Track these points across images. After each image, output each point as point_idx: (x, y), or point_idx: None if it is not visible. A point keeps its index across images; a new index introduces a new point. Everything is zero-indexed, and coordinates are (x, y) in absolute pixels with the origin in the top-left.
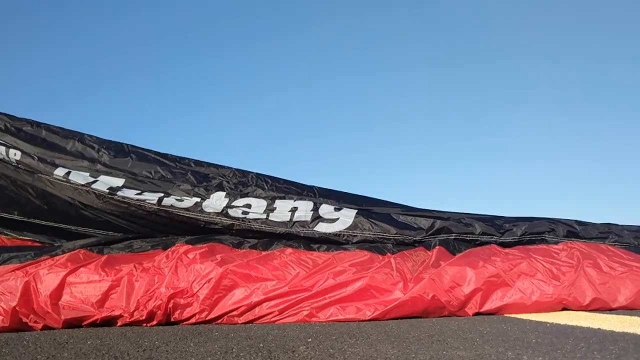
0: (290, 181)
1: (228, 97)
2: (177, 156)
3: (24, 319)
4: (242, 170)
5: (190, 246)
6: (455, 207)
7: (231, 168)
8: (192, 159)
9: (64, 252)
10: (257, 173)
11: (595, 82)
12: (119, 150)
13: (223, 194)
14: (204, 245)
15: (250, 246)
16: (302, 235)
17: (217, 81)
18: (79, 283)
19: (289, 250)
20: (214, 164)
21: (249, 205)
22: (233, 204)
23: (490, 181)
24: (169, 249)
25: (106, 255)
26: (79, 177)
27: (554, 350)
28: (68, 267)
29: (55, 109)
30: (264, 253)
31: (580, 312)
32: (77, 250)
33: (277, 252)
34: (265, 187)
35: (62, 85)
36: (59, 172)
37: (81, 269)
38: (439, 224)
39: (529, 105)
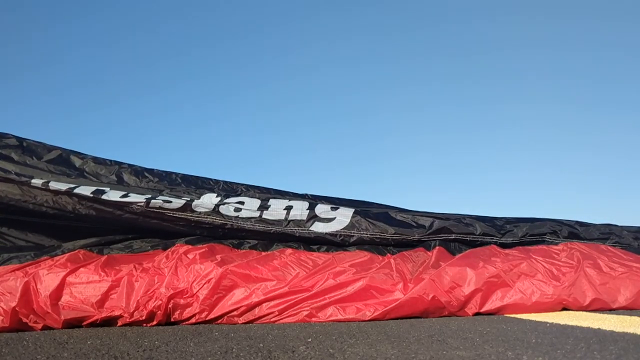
0: (282, 190)
1: (207, 92)
2: (163, 170)
3: (24, 319)
4: (230, 182)
5: (190, 246)
6: (455, 210)
7: (219, 180)
8: (179, 173)
9: (63, 253)
10: (247, 184)
11: (596, 82)
12: (103, 162)
13: (214, 194)
14: (203, 245)
15: (250, 246)
16: (297, 235)
17: (211, 90)
18: (78, 283)
19: (289, 250)
20: (202, 177)
21: (241, 202)
22: (225, 201)
23: (490, 183)
24: (169, 249)
25: (106, 256)
26: (60, 185)
27: (554, 350)
28: (68, 268)
29: (49, 114)
30: (263, 253)
31: (580, 312)
32: (77, 251)
33: (277, 253)
34: (257, 195)
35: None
36: (36, 181)
37: (81, 269)
38: (438, 223)
39: (529, 105)
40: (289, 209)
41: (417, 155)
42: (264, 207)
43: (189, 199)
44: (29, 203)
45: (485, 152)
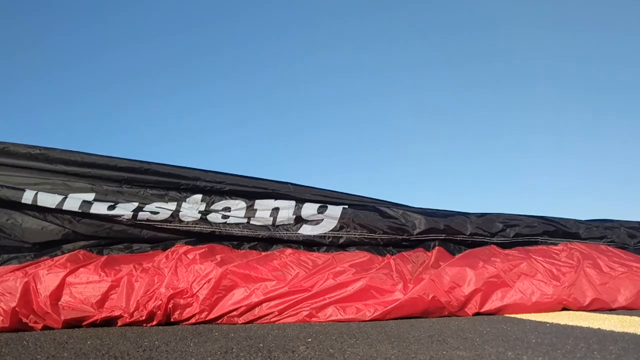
0: (265, 180)
1: (219, 97)
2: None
3: (24, 320)
4: (215, 172)
5: (190, 246)
6: (455, 207)
7: (207, 171)
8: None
9: (63, 253)
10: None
11: (594, 82)
12: (78, 164)
13: (199, 196)
14: (203, 245)
15: (250, 247)
16: (285, 238)
17: (212, 81)
18: (78, 283)
19: (289, 250)
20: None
21: (227, 209)
22: (211, 207)
23: (489, 180)
24: (169, 250)
25: (106, 256)
26: (48, 198)
27: (554, 350)
28: (68, 268)
29: (42, 109)
30: (263, 253)
31: (580, 312)
32: (76, 251)
33: (277, 253)
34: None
35: (50, 85)
36: (28, 195)
37: (81, 269)
38: (427, 223)
39: (528, 105)
40: (275, 211)
41: (422, 159)
42: (250, 213)
43: (173, 209)
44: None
45: (486, 151)
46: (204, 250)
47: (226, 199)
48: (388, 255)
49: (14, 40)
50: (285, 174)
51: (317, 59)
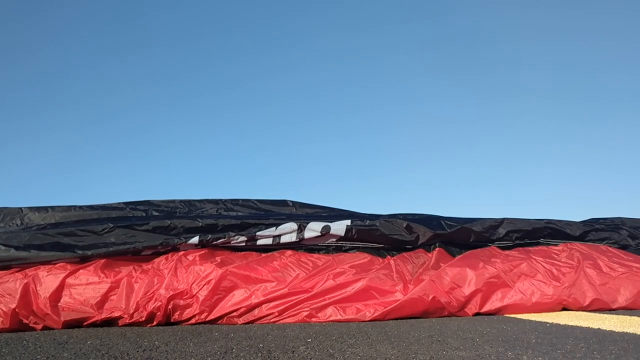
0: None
1: (218, 107)
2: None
3: (24, 320)
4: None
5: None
6: (456, 212)
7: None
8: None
9: None
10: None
11: (592, 87)
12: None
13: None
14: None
15: None
16: (288, 247)
17: (209, 90)
18: (78, 285)
19: (289, 252)
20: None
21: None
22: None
23: (489, 185)
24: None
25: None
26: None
27: (554, 350)
28: (67, 269)
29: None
30: (263, 255)
31: (580, 312)
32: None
33: (277, 254)
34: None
35: (60, 88)
36: None
37: (80, 270)
38: (432, 236)
39: (527, 109)
40: (277, 238)
41: (424, 167)
42: (252, 241)
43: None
44: None
45: (485, 156)
46: (203, 251)
47: (230, 235)
48: (388, 256)
49: (21, 44)
50: (285, 183)
51: (317, 69)
